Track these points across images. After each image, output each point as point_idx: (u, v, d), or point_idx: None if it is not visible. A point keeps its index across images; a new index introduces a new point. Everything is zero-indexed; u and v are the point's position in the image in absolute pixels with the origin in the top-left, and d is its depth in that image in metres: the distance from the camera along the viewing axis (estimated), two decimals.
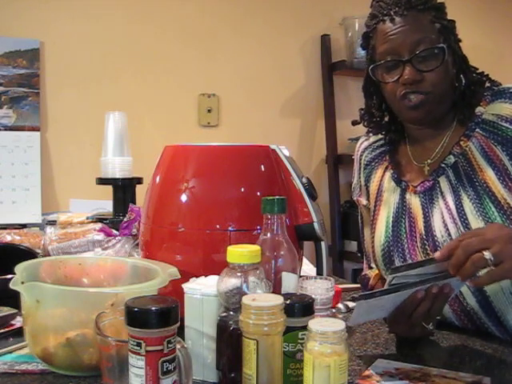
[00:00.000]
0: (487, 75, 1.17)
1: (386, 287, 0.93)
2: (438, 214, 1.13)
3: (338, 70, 2.80)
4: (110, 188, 1.67)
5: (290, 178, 1.06)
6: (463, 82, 1.14)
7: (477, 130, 1.13)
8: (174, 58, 2.56)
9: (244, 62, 2.70)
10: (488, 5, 3.24)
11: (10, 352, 0.93)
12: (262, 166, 1.06)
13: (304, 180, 1.07)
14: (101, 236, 1.42)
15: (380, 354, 0.96)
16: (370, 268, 1.32)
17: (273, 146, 1.07)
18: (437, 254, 0.92)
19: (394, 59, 1.11)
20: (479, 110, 1.14)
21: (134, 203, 1.56)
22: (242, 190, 1.03)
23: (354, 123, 1.31)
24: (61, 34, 2.35)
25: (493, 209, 1.07)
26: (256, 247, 0.79)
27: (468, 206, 1.09)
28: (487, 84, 1.17)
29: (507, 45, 3.30)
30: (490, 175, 1.09)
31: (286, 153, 1.09)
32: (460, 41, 1.16)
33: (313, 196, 1.07)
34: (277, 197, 0.88)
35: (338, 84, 2.86)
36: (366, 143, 1.33)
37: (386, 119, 1.25)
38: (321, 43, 2.85)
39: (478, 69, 1.18)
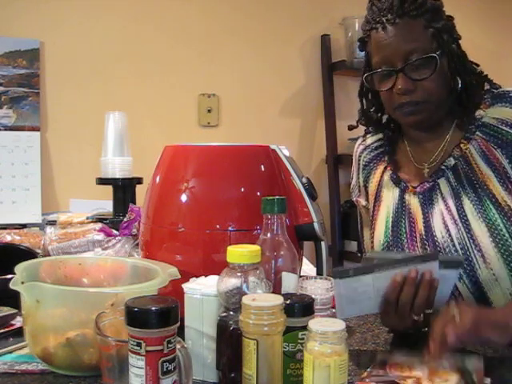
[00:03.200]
0: (486, 76, 1.17)
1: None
2: (437, 214, 1.13)
3: (338, 70, 2.80)
4: (110, 188, 1.67)
5: (290, 178, 1.06)
6: (459, 83, 1.13)
7: (477, 132, 1.13)
8: (174, 58, 2.55)
9: (244, 62, 2.70)
10: (488, 5, 3.24)
11: (10, 352, 0.93)
12: (262, 166, 1.06)
13: (304, 180, 1.07)
14: (101, 236, 1.41)
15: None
16: None
17: (273, 146, 1.07)
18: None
19: (387, 68, 1.10)
20: (479, 113, 1.14)
21: (134, 203, 1.56)
22: (242, 189, 1.03)
23: (351, 128, 1.31)
24: (61, 34, 2.35)
25: (493, 210, 1.07)
26: (256, 247, 0.79)
27: (468, 207, 1.09)
28: (486, 86, 1.16)
29: (507, 45, 3.30)
30: (490, 177, 1.09)
31: (286, 153, 1.09)
32: (459, 38, 1.15)
33: (313, 196, 1.07)
34: (277, 197, 0.88)
35: (338, 84, 2.86)
36: (364, 144, 1.33)
37: (385, 119, 1.25)
38: (321, 43, 2.85)
39: (479, 65, 1.17)
